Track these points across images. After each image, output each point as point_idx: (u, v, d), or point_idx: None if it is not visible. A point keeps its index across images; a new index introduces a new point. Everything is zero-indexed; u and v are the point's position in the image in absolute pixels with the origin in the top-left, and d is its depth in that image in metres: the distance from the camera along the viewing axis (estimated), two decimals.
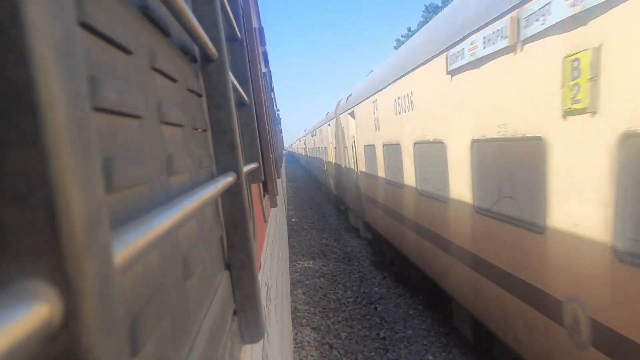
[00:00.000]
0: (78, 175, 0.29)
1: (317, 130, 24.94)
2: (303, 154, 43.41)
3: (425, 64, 6.08)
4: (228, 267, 1.36)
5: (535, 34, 3.60)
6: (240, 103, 2.24)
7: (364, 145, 11.06)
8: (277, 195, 5.13)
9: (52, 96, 0.27)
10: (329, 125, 18.67)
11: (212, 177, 1.28)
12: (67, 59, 0.29)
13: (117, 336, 0.33)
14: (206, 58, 1.23)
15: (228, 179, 1.13)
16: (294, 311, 8.47)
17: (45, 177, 0.27)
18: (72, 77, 0.29)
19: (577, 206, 3.35)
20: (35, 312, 0.25)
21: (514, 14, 3.86)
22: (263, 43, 6.37)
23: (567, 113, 3.33)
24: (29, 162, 0.26)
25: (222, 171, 1.27)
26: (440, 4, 44.09)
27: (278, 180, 7.06)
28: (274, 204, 4.41)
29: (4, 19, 0.25)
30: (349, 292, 9.49)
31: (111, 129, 0.59)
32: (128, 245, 0.41)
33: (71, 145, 0.29)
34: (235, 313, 1.35)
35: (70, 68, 0.29)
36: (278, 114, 21.75)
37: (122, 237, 0.41)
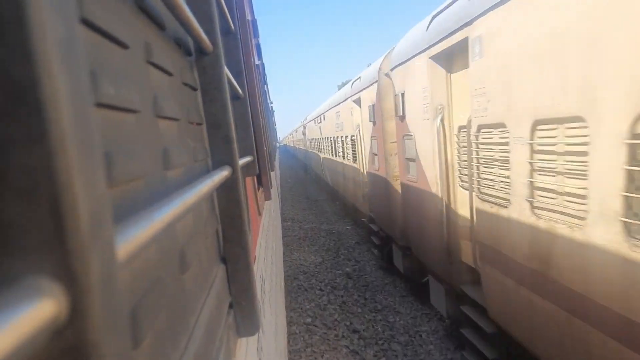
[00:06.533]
0: (82, 172, 0.29)
1: (299, 129, 46.40)
2: (292, 145, 71.09)
3: (310, 122, 28.05)
4: (224, 260, 1.36)
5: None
6: (235, 96, 2.23)
7: (310, 139, 29.71)
8: (271, 188, 5.13)
9: (56, 93, 0.27)
10: (302, 127, 38.20)
11: (207, 171, 1.28)
12: (70, 56, 0.29)
13: (121, 331, 0.34)
14: (201, 51, 1.22)
15: (224, 173, 1.13)
16: (293, 178, 36.57)
17: (49, 173, 0.27)
18: (74, 74, 0.29)
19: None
20: (41, 308, 0.26)
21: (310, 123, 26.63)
22: (256, 35, 6.33)
23: None
24: (33, 159, 0.26)
25: (217, 165, 1.27)
26: None
27: (272, 173, 7.05)
28: (268, 197, 4.41)
29: (8, 18, 0.25)
30: (304, 190, 27.80)
31: (109, 123, 0.59)
32: (130, 240, 0.41)
33: (75, 141, 0.29)
34: (231, 306, 1.35)
35: (73, 65, 0.29)
36: (271, 107, 21.91)
37: (124, 232, 0.41)
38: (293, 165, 53.11)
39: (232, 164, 1.27)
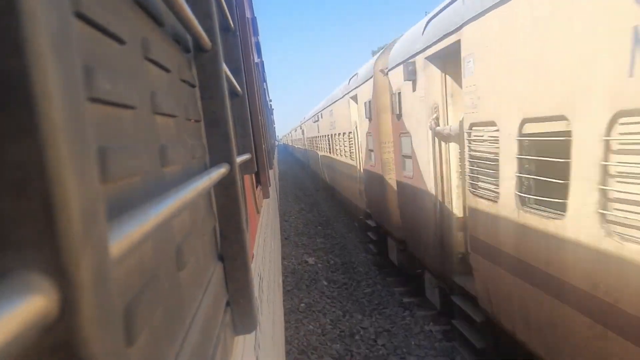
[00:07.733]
0: (74, 166, 0.29)
1: (296, 129, 52.45)
2: (290, 144, 77.51)
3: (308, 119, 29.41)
4: (221, 258, 1.36)
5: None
6: (233, 94, 2.22)
7: (307, 137, 34.64)
8: (270, 186, 5.13)
9: (48, 87, 0.27)
10: (298, 128, 44.71)
11: (205, 168, 1.27)
12: (63, 50, 0.29)
13: (113, 328, 0.33)
14: (199, 48, 1.22)
15: (221, 170, 1.13)
16: (291, 161, 59.19)
17: (41, 168, 0.26)
18: (67, 67, 0.29)
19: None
20: (31, 304, 0.25)
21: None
22: (256, 33, 6.31)
23: None
24: (25, 153, 0.26)
25: (215, 162, 1.26)
26: None
27: (270, 171, 7.04)
28: (266, 195, 4.41)
29: (0, 9, 0.24)
30: (298, 172, 44.63)
31: (105, 119, 0.59)
32: (124, 237, 0.41)
33: (67, 136, 0.28)
34: (228, 304, 1.35)
35: (66, 58, 0.29)
36: (270, 105, 21.86)
37: (117, 229, 0.41)
38: (297, 174, 43.61)
39: (230, 161, 1.26)
